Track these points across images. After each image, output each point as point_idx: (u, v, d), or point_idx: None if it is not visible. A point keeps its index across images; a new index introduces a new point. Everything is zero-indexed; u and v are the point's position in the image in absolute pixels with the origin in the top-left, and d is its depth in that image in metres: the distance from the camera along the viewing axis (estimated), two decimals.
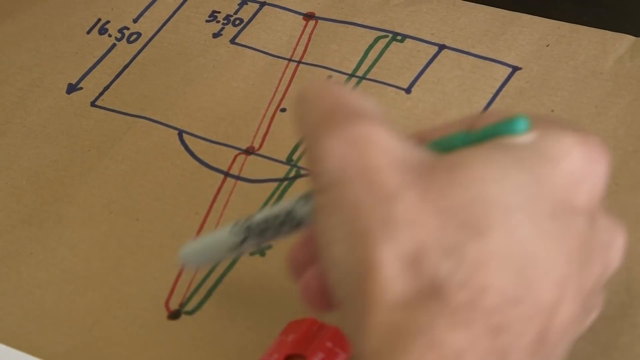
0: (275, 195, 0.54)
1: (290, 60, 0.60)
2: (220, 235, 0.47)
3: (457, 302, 0.36)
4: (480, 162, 0.37)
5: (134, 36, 0.64)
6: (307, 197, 0.43)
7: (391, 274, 0.36)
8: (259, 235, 0.45)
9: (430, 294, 0.36)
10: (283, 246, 0.52)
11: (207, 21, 0.63)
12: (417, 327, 0.35)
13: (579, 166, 0.38)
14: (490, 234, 0.36)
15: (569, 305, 0.38)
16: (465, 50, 0.58)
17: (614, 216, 0.41)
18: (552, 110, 0.54)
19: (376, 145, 0.37)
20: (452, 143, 0.39)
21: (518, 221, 0.36)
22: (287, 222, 0.44)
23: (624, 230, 0.41)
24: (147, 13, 0.64)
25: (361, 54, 0.59)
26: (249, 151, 0.57)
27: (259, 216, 0.45)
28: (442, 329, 0.35)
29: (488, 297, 0.36)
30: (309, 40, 0.61)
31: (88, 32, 0.64)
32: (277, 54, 0.61)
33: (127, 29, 0.64)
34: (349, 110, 0.38)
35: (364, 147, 0.37)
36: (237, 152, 0.57)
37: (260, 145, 0.57)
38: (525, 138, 0.38)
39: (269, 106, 0.58)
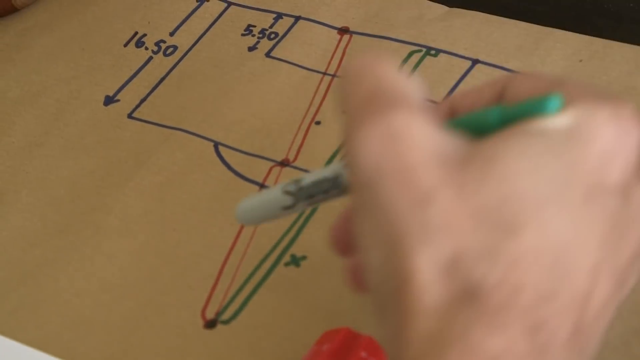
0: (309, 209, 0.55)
1: (325, 74, 0.61)
2: (273, 194, 0.46)
3: (493, 304, 0.35)
4: (514, 154, 0.36)
5: (171, 49, 0.64)
6: None
7: (428, 282, 0.35)
8: (308, 199, 0.44)
9: (466, 298, 0.35)
10: (318, 259, 0.53)
11: (242, 35, 0.64)
12: (453, 334, 0.35)
13: (612, 143, 0.38)
14: (523, 231, 0.36)
15: (603, 287, 0.38)
16: (499, 65, 0.58)
17: None
18: None
19: (412, 141, 0.36)
20: (484, 121, 0.38)
21: (551, 214, 0.36)
22: (334, 188, 0.43)
23: None
24: (183, 27, 0.65)
25: None
26: (284, 163, 0.57)
27: (307, 180, 0.44)
28: (478, 334, 0.35)
29: (523, 295, 0.35)
30: (343, 54, 0.61)
31: (125, 45, 0.65)
32: (312, 68, 0.61)
33: (164, 42, 0.65)
34: (387, 97, 0.37)
35: (399, 143, 0.36)
36: (272, 164, 0.57)
37: (295, 158, 0.57)
38: (558, 120, 0.37)
39: (303, 119, 0.59)
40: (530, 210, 0.36)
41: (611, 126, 0.37)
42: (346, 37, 0.62)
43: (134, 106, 0.62)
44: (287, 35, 0.63)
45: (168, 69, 0.63)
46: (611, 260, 0.38)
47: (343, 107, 0.38)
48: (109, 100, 0.62)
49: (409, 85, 0.38)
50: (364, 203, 0.37)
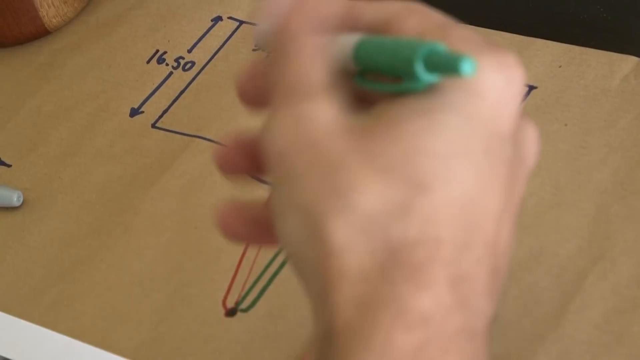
0: None
1: None
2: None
3: (416, 260, 0.32)
4: (412, 116, 0.34)
5: (189, 65, 0.64)
6: None
7: (346, 247, 0.33)
8: None
9: (388, 260, 0.32)
10: None
11: (254, 50, 0.64)
12: (382, 297, 0.32)
13: (503, 93, 0.35)
14: (433, 186, 0.33)
15: (505, 230, 0.36)
16: None
17: (524, 117, 0.37)
18: (566, 125, 0.55)
19: (317, 121, 0.34)
20: (407, 69, 0.34)
21: (456, 168, 0.34)
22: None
23: (532, 123, 0.38)
24: (200, 44, 0.65)
25: None
26: None
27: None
28: (406, 295, 0.32)
29: (443, 249, 0.33)
30: None
31: (148, 62, 0.65)
32: None
33: (182, 58, 0.65)
34: (300, 89, 0.35)
35: (305, 124, 0.34)
36: None
37: None
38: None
39: None
40: (436, 166, 0.33)
41: (499, 76, 0.35)
42: None
43: (157, 117, 0.62)
44: None
45: (187, 82, 0.63)
46: (509, 203, 0.36)
47: (269, 87, 0.36)
48: (134, 112, 0.62)
49: (318, 71, 0.35)
50: (279, 177, 0.35)
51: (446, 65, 0.33)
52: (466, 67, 0.32)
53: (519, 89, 0.36)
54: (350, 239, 0.33)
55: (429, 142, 0.33)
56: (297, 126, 0.34)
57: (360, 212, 0.33)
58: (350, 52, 0.35)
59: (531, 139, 0.38)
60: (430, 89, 0.34)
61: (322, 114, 0.35)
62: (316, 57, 0.36)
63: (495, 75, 0.35)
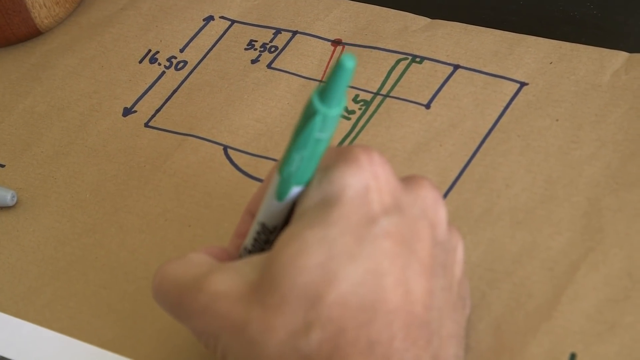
0: None
1: (321, 81, 0.61)
2: None
3: (324, 353, 0.39)
4: (286, 244, 0.40)
5: (181, 64, 0.65)
6: (267, 207, 0.44)
7: None
8: (265, 245, 0.46)
9: None
10: None
11: (245, 49, 0.65)
12: None
13: (359, 186, 0.40)
14: (323, 292, 0.39)
15: (417, 285, 0.40)
16: (478, 69, 0.59)
17: (414, 183, 0.43)
18: (557, 120, 0.56)
19: (218, 299, 0.41)
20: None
21: (335, 267, 0.39)
22: (265, 233, 0.45)
23: (427, 181, 0.43)
24: (192, 43, 0.66)
25: (384, 75, 0.60)
26: None
27: (248, 241, 0.46)
28: None
29: (347, 334, 0.39)
30: None
31: (140, 62, 0.66)
32: (309, 76, 0.62)
33: (175, 58, 0.65)
34: (190, 289, 0.43)
35: (212, 307, 0.41)
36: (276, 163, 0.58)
37: None
38: (310, 197, 0.41)
39: None
40: (317, 275, 0.39)
41: (351, 174, 0.41)
42: (339, 48, 0.63)
43: (149, 116, 0.63)
44: (286, 49, 0.64)
45: (179, 82, 0.64)
46: (414, 260, 0.40)
47: (170, 315, 0.45)
48: (127, 112, 0.63)
49: (198, 262, 0.44)
50: (222, 356, 0.42)
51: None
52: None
53: (378, 170, 0.41)
54: None
55: (303, 260, 0.39)
56: (207, 315, 0.42)
57: (273, 347, 0.39)
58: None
59: (424, 190, 0.42)
60: (300, 217, 0.41)
61: (218, 291, 0.42)
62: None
63: (346, 177, 0.40)
